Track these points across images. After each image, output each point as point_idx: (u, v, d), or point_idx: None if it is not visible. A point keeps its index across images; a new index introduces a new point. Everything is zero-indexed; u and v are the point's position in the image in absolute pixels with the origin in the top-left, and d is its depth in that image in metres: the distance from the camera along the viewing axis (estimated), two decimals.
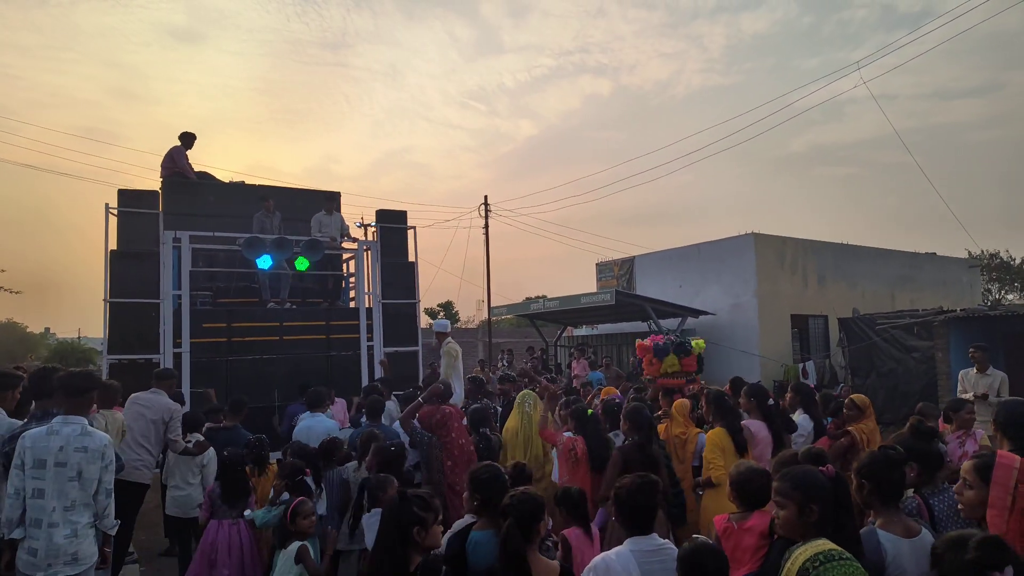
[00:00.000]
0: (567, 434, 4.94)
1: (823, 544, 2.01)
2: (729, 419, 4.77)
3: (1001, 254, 34.08)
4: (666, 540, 2.75)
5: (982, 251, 32.46)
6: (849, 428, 5.00)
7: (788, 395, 5.88)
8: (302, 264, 8.09)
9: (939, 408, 5.78)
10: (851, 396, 5.40)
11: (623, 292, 16.04)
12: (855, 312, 15.06)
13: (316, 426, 5.56)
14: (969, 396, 7.13)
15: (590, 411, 4.99)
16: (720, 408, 4.88)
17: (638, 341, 6.76)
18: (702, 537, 2.51)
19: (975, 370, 7.45)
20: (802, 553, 1.99)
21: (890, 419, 12.87)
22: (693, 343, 6.57)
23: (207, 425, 5.84)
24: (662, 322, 15.12)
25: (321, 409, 5.87)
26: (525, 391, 5.94)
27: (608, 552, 2.69)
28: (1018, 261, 35.27)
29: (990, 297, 31.59)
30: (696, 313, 15.56)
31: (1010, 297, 33.80)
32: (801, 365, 15.27)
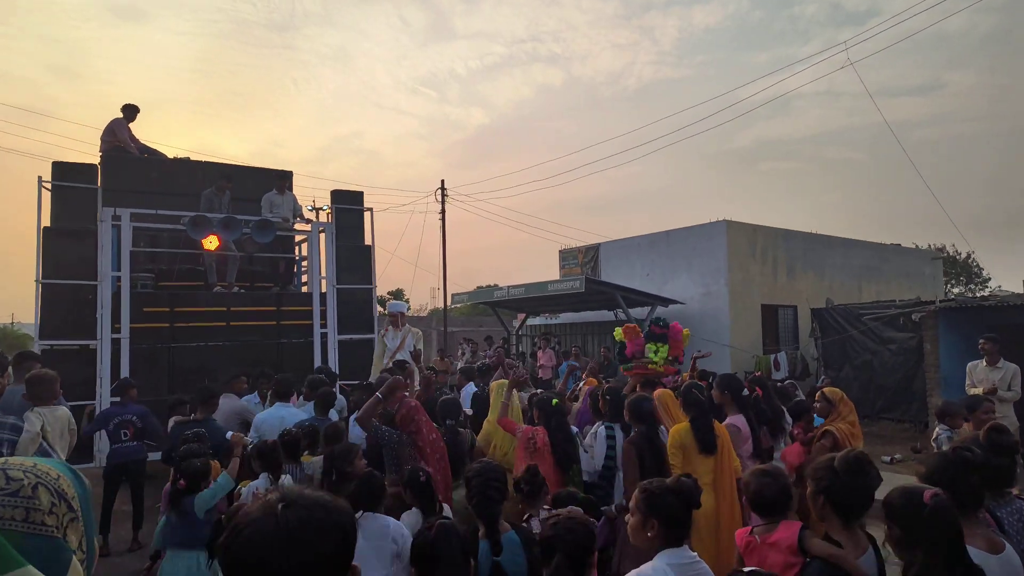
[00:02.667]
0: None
1: None
2: (695, 413, 4.54)
3: (947, 248, 35.30)
4: (695, 553, 2.53)
5: (929, 245, 33.62)
6: (828, 427, 4.71)
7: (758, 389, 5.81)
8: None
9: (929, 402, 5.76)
10: (822, 389, 5.16)
11: (593, 279, 16.10)
12: (829, 302, 15.35)
13: (288, 418, 5.33)
14: (978, 390, 6.89)
15: (555, 401, 4.91)
16: (687, 401, 4.64)
17: (626, 325, 6.72)
18: (756, 569, 2.32)
19: (984, 362, 7.15)
20: None
21: (864, 413, 13.14)
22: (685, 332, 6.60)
23: (174, 419, 5.70)
24: (631, 311, 15.27)
25: (289, 400, 5.78)
26: (500, 380, 5.93)
27: (643, 567, 2.40)
28: (964, 256, 36.80)
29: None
30: (666, 302, 15.71)
31: (956, 291, 34.99)
32: (773, 357, 15.56)
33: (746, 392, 5.18)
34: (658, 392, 5.26)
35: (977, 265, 37.15)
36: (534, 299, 16.59)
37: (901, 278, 20.57)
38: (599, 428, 5.04)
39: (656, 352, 6.60)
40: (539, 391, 5.77)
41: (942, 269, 24.72)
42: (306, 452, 4.75)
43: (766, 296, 17.04)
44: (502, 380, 5.97)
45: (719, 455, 4.46)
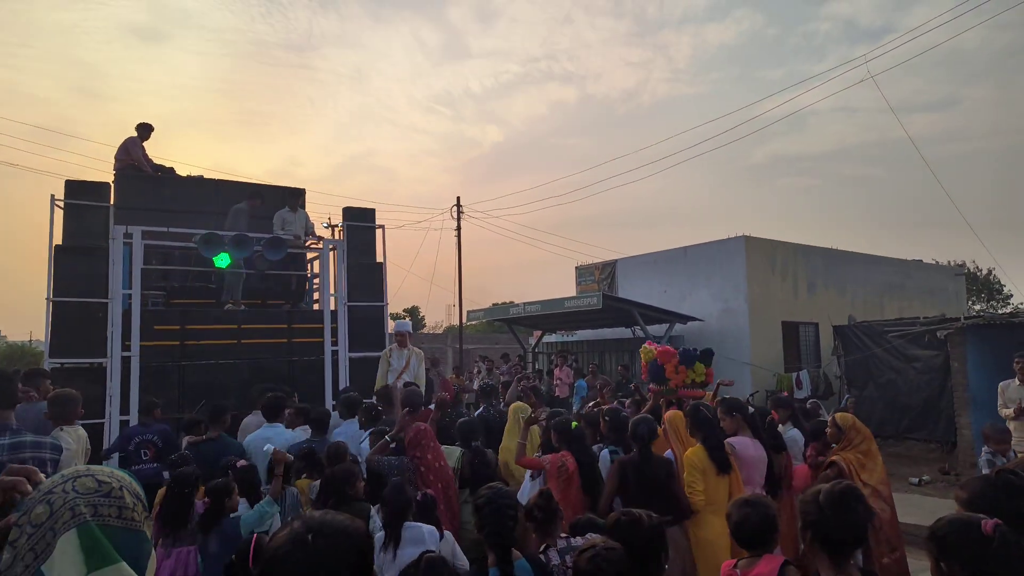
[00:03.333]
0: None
1: None
2: (706, 433, 4.52)
3: (968, 265, 34.92)
4: None
5: (949, 261, 33.32)
6: (834, 457, 4.58)
7: (773, 412, 5.73)
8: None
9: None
10: (834, 415, 5.00)
11: (610, 296, 16.04)
12: (851, 319, 15.17)
13: (276, 438, 5.21)
14: (1010, 412, 6.81)
15: (575, 424, 4.86)
16: (696, 421, 4.59)
17: (654, 346, 6.59)
18: None
19: (1017, 381, 6.99)
20: None
21: (889, 432, 12.95)
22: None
23: (187, 439, 5.66)
24: (649, 328, 15.18)
25: (279, 419, 5.62)
26: (518, 403, 5.92)
27: None
28: (984, 272, 36.51)
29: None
30: (685, 319, 15.62)
31: (977, 307, 34.62)
32: (795, 375, 15.37)
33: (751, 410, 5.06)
34: (669, 414, 5.21)
35: (998, 282, 36.91)
36: (551, 316, 16.54)
37: (924, 295, 20.33)
38: (603, 452, 4.99)
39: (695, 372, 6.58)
40: (559, 411, 5.71)
41: (965, 286, 24.39)
42: (303, 476, 4.70)
43: (787, 313, 16.88)
44: (519, 403, 5.94)
45: (732, 475, 4.44)
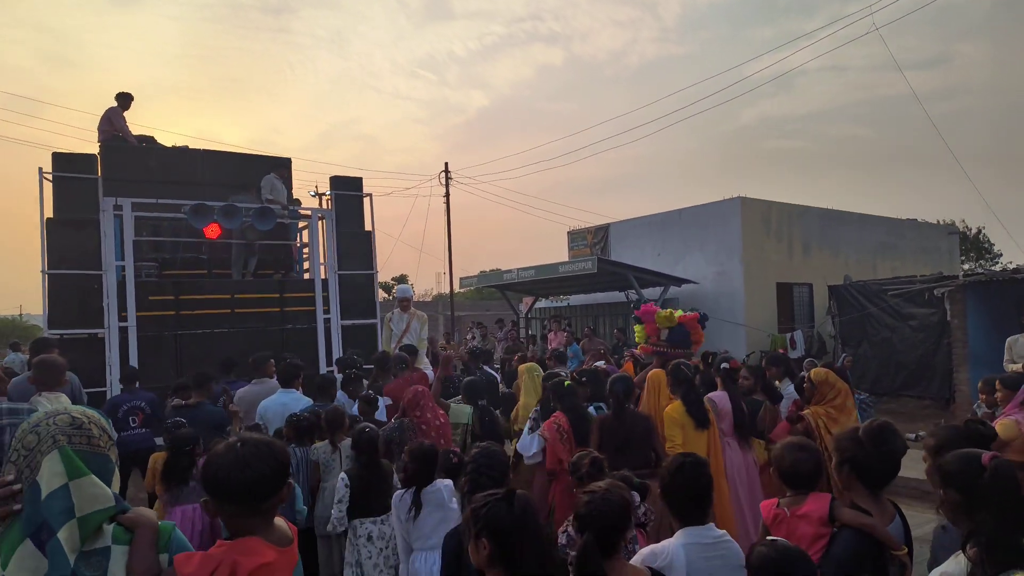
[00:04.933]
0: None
1: None
2: (686, 390, 4.89)
3: (956, 223, 35.44)
4: (723, 531, 2.66)
5: (938, 221, 33.83)
6: (803, 412, 4.87)
7: (769, 369, 5.98)
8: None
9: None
10: (808, 372, 5.28)
11: (605, 260, 16.33)
12: (847, 279, 15.53)
13: (291, 404, 5.48)
14: (1017, 366, 6.97)
15: (567, 383, 5.18)
16: (676, 379, 4.99)
17: (644, 307, 6.82)
18: (781, 539, 2.33)
19: None
20: None
21: (884, 389, 13.38)
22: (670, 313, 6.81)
23: (173, 402, 6.01)
24: (644, 291, 15.52)
25: (294, 386, 5.86)
26: (531, 363, 6.28)
27: (657, 544, 2.60)
28: (974, 231, 37.44)
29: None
30: (679, 282, 15.94)
31: (966, 266, 35.28)
32: (789, 335, 15.80)
33: (726, 365, 5.38)
34: (652, 372, 5.61)
35: (988, 240, 37.60)
36: (545, 281, 16.80)
37: (917, 254, 20.69)
38: (589, 409, 5.35)
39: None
40: (555, 372, 6.09)
41: (958, 244, 24.78)
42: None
43: (781, 274, 17.24)
44: (531, 364, 6.34)
45: (711, 430, 4.80)
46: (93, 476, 1.57)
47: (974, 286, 12.00)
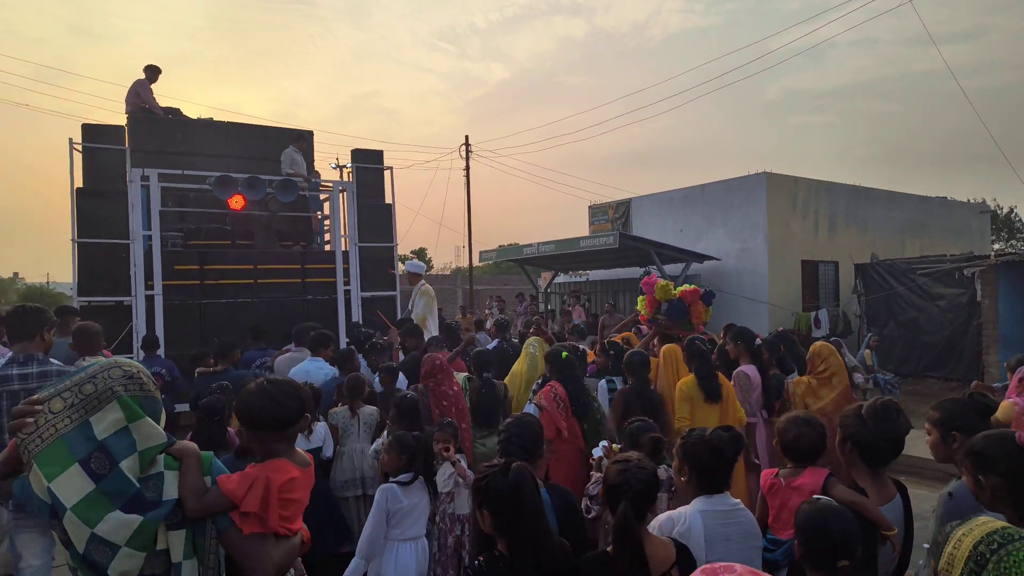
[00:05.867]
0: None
1: (991, 522, 1.68)
2: (699, 364, 4.92)
3: (987, 202, 34.84)
4: (738, 500, 2.70)
5: (969, 199, 33.29)
6: (790, 380, 5.18)
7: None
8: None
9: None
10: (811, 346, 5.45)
11: (627, 235, 16.32)
12: (874, 257, 15.44)
13: (314, 372, 5.73)
14: None
15: (564, 354, 5.21)
16: (691, 352, 5.02)
17: (647, 278, 6.82)
18: (824, 498, 2.36)
19: None
20: (968, 533, 1.64)
21: (909, 371, 13.36)
22: (667, 285, 6.82)
23: (198, 370, 6.30)
24: (666, 268, 15.57)
25: (323, 353, 6.05)
26: (533, 337, 6.39)
27: (674, 511, 2.66)
28: (1005, 210, 36.99)
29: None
30: (701, 258, 15.92)
31: (997, 246, 34.74)
32: (813, 314, 15.78)
33: (758, 342, 5.48)
34: (666, 347, 5.62)
35: (1020, 220, 36.89)
36: (565, 256, 16.82)
37: (947, 233, 20.39)
38: (601, 382, 5.51)
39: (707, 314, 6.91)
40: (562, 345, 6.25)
41: (989, 223, 24.39)
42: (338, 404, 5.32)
43: (806, 252, 17.15)
44: (535, 337, 6.49)
45: (724, 404, 4.86)
46: (147, 418, 1.86)
47: (1007, 266, 11.90)
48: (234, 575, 1.97)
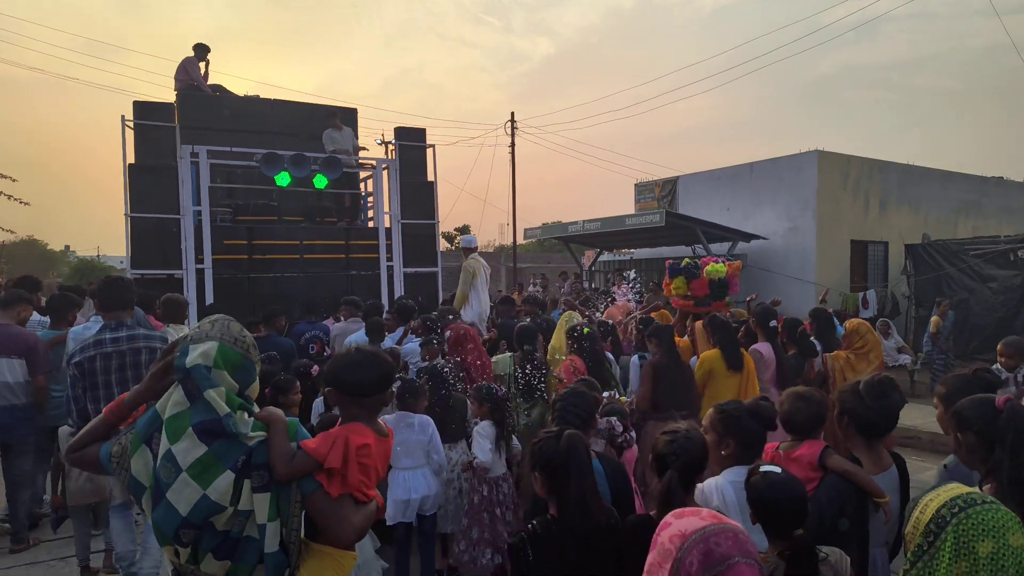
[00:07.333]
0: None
1: (958, 488, 1.78)
2: (721, 334, 5.18)
3: None
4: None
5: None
6: (826, 355, 5.41)
7: (806, 323, 6.17)
8: (320, 182, 8.77)
9: None
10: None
11: (673, 213, 16.20)
12: (925, 238, 15.12)
13: (359, 339, 6.09)
14: None
15: (586, 330, 5.45)
16: (713, 325, 5.30)
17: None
18: (773, 469, 2.35)
19: None
20: (933, 499, 1.76)
21: (957, 353, 13.13)
22: (711, 267, 6.84)
23: None
24: (711, 247, 15.44)
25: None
26: (571, 311, 6.55)
27: (708, 481, 2.67)
28: None
29: None
30: (748, 237, 15.75)
31: None
32: (861, 294, 15.53)
33: (774, 323, 5.57)
34: (698, 323, 5.89)
35: None
36: (610, 234, 16.85)
37: (1001, 213, 19.85)
38: (634, 358, 5.62)
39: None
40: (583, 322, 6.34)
41: None
42: None
43: (856, 231, 16.85)
44: (570, 312, 6.61)
45: (744, 376, 5.04)
46: (227, 375, 1.99)
47: None
48: (313, 537, 2.08)
